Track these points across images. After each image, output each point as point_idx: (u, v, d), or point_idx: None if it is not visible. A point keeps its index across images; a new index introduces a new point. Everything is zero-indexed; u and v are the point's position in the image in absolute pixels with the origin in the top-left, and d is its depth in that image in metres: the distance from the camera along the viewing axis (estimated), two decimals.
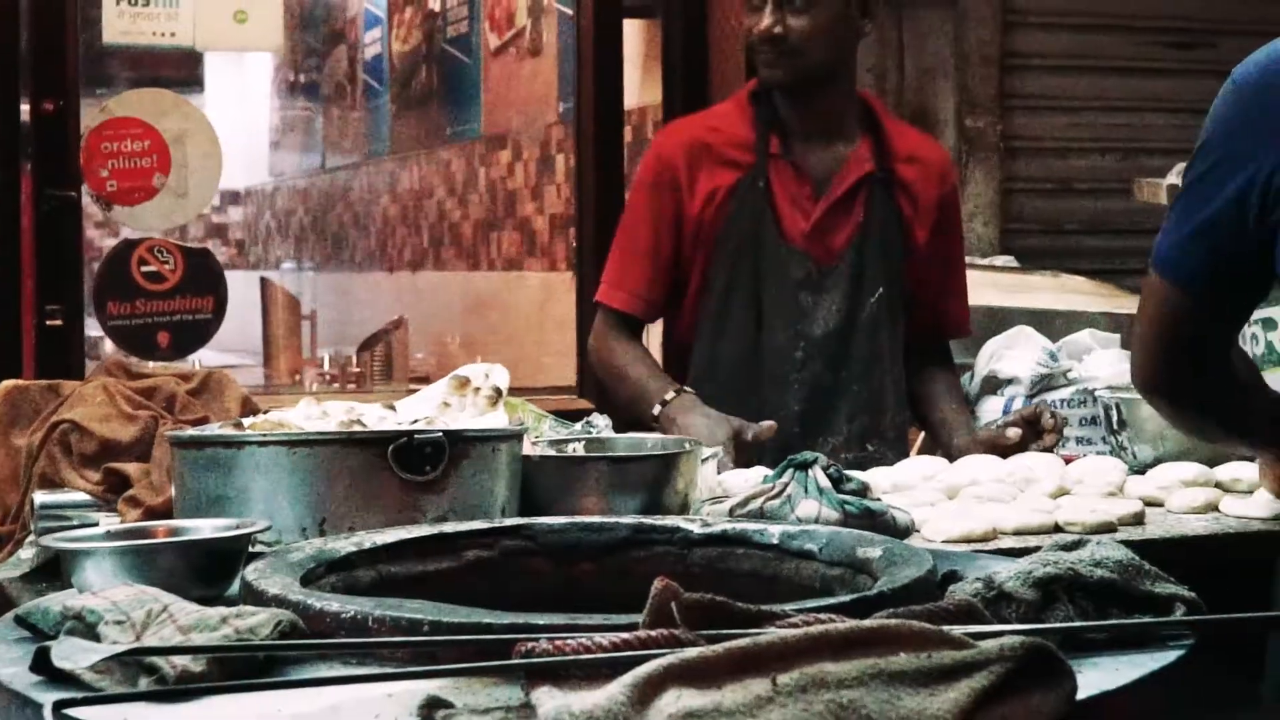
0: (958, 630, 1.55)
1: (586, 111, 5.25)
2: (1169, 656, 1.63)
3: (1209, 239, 2.19)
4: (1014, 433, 3.31)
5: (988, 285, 4.40)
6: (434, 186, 8.72)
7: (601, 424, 3.02)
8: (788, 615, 1.59)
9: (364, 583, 1.94)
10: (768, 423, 3.16)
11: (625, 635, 1.50)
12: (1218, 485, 3.06)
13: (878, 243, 3.53)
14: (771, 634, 1.47)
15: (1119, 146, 5.76)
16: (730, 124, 3.57)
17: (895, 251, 3.55)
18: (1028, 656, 1.46)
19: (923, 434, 3.88)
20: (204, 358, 5.33)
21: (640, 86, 5.75)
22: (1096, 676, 1.55)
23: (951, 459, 3.22)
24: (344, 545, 1.94)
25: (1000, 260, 4.84)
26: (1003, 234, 5.46)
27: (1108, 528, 2.70)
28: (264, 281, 8.59)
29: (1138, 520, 2.79)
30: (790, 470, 2.29)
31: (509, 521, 2.13)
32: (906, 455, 3.64)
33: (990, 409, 3.70)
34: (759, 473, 2.76)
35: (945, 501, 2.87)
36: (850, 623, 1.51)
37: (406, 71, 8.90)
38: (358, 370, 7.05)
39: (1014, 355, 3.70)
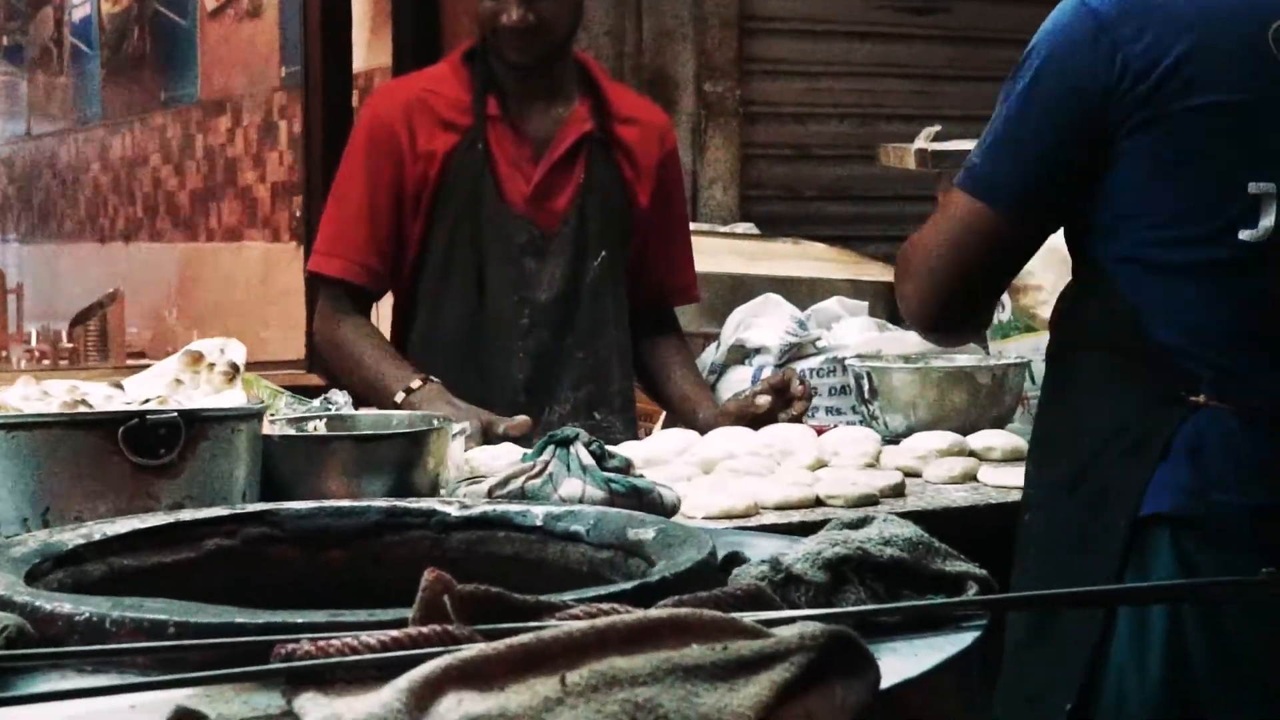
0: (749, 618, 1.45)
1: (314, 75, 5.06)
2: (966, 639, 1.55)
3: (1038, 160, 2.15)
4: (763, 400, 3.24)
5: (729, 253, 4.33)
6: (148, 154, 8.41)
7: (341, 400, 2.87)
8: (568, 606, 1.47)
9: (94, 578, 1.77)
10: (521, 418, 3.04)
11: (395, 633, 1.37)
12: (971, 454, 3.04)
13: (599, 204, 3.44)
14: (556, 628, 1.36)
15: (857, 112, 5.75)
16: (446, 85, 3.43)
17: (618, 214, 3.46)
18: (829, 645, 1.36)
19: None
20: None
21: (368, 49, 5.57)
22: (896, 663, 1.46)
23: (701, 432, 3.14)
24: (71, 537, 1.77)
25: (741, 227, 4.77)
26: (742, 200, 5.41)
27: (869, 500, 2.65)
28: None
29: (898, 492, 2.74)
30: (551, 447, 2.17)
31: (251, 507, 1.98)
32: (634, 423, 3.57)
33: (738, 378, 3.63)
34: (512, 450, 2.64)
35: (701, 476, 2.79)
36: (638, 613, 1.41)
37: (117, 34, 8.59)
38: (70, 346, 6.75)
39: (762, 324, 3.64)
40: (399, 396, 3.17)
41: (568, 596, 1.52)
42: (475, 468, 2.52)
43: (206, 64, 7.73)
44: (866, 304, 3.76)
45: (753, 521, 2.49)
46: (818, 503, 2.64)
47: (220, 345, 2.34)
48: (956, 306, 2.24)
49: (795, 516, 2.56)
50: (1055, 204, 2.18)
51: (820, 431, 3.16)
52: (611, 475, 2.12)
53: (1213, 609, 2.03)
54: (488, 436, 2.99)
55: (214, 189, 7.72)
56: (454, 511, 1.96)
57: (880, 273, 4.29)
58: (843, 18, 5.70)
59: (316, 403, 2.89)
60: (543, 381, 3.41)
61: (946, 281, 2.20)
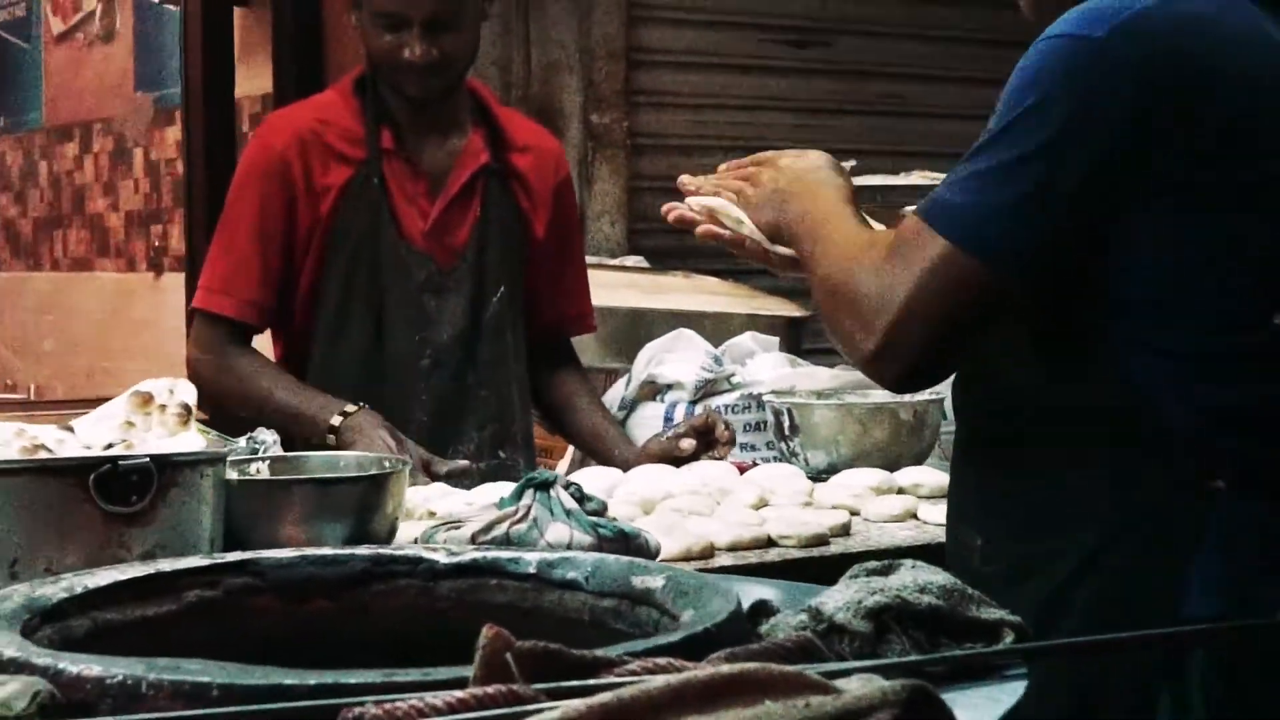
0: (810, 670, 1.41)
1: (195, 100, 4.93)
2: (1017, 688, 1.52)
3: (1039, 215, 1.89)
4: (688, 444, 3.20)
5: (624, 286, 4.29)
6: None
7: (269, 439, 2.78)
8: (624, 661, 1.41)
9: (80, 634, 1.67)
10: (462, 463, 2.96)
11: (461, 694, 1.31)
12: (900, 491, 3.02)
13: (498, 238, 3.37)
14: (634, 687, 1.30)
15: (741, 145, 5.72)
16: (338, 115, 3.33)
17: (515, 247, 3.40)
18: (912, 700, 1.32)
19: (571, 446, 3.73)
20: None
21: (247, 75, 5.45)
22: (965, 717, 1.42)
23: (623, 470, 3.09)
24: (53, 591, 1.67)
25: (631, 260, 4.73)
26: (630, 233, 5.37)
27: (820, 540, 2.62)
28: None
29: (845, 531, 2.71)
30: (530, 491, 2.10)
31: (230, 557, 1.88)
32: (534, 460, 3.51)
33: (650, 414, 3.59)
34: (481, 493, 2.57)
35: (643, 516, 2.73)
36: (706, 669, 1.35)
37: None
38: None
39: (675, 359, 3.60)
40: (336, 419, 3.06)
41: (617, 651, 1.46)
42: (451, 513, 2.44)
43: (52, 89, 7.51)
44: (778, 339, 3.73)
45: (712, 564, 2.44)
46: (769, 543, 2.60)
47: (169, 385, 2.24)
48: (933, 360, 1.98)
49: (750, 557, 2.52)
50: (1061, 272, 1.94)
51: (742, 469, 3.12)
52: (598, 520, 2.06)
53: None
54: (426, 475, 2.92)
55: (60, 217, 7.51)
56: (442, 558, 1.89)
57: (778, 307, 4.27)
58: (727, 51, 5.71)
59: (242, 442, 2.79)
60: (446, 421, 3.33)
61: (926, 334, 1.93)
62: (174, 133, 6.19)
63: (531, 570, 1.86)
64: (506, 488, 2.61)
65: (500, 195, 3.38)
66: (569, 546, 2.04)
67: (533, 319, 3.46)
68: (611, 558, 1.88)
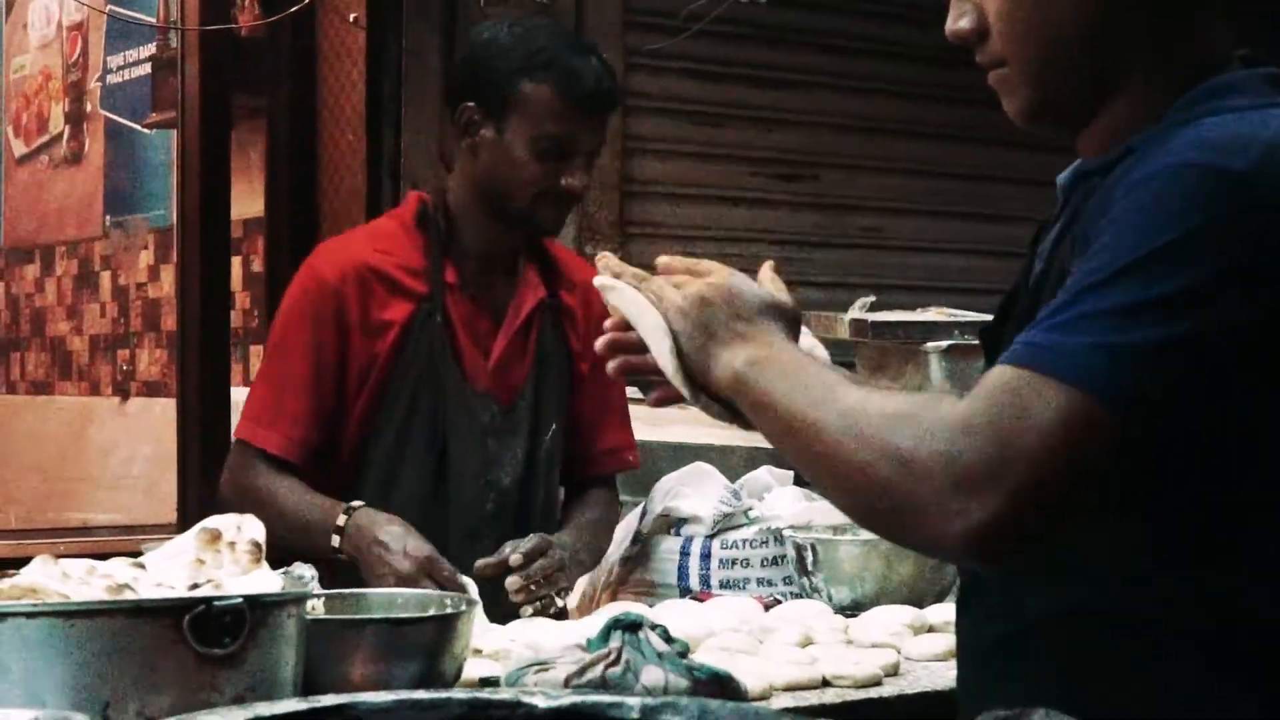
0: None
1: (191, 222, 4.88)
2: None
3: (1182, 363, 1.65)
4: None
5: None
6: None
7: (308, 575, 2.71)
8: None
9: None
10: (470, 582, 2.88)
11: None
12: (931, 629, 3.00)
13: (553, 375, 3.31)
14: None
15: None
16: (399, 247, 3.20)
17: (566, 383, 3.35)
18: None
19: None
20: None
21: (242, 198, 5.42)
22: None
23: None
24: None
25: (629, 391, 4.70)
26: None
27: (874, 681, 2.59)
28: None
29: (895, 670, 2.68)
30: (618, 633, 2.06)
31: (327, 700, 1.83)
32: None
33: (666, 549, 3.54)
34: (564, 632, 2.52)
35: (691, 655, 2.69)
36: None
37: None
38: None
39: (693, 493, 3.56)
40: (341, 519, 2.98)
41: None
42: (538, 651, 2.37)
43: (11, 211, 7.45)
44: (792, 474, 3.70)
45: (774, 705, 2.41)
46: (824, 683, 2.57)
47: (236, 523, 2.19)
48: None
49: (809, 698, 2.49)
50: (1198, 439, 1.72)
51: (765, 605, 3.10)
52: (691, 663, 2.02)
53: None
54: (429, 575, 2.85)
55: (18, 339, 7.42)
56: (540, 702, 1.84)
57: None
58: (717, 183, 5.75)
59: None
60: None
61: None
62: (146, 257, 6.15)
63: (635, 715, 1.81)
64: (562, 628, 2.57)
65: (553, 331, 3.31)
66: (665, 690, 2.00)
67: (575, 454, 3.40)
68: (715, 702, 1.84)
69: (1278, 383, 1.70)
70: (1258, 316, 1.65)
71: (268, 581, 2.06)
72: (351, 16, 5.05)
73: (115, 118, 6.56)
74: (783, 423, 1.80)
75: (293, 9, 4.71)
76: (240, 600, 1.87)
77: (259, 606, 1.90)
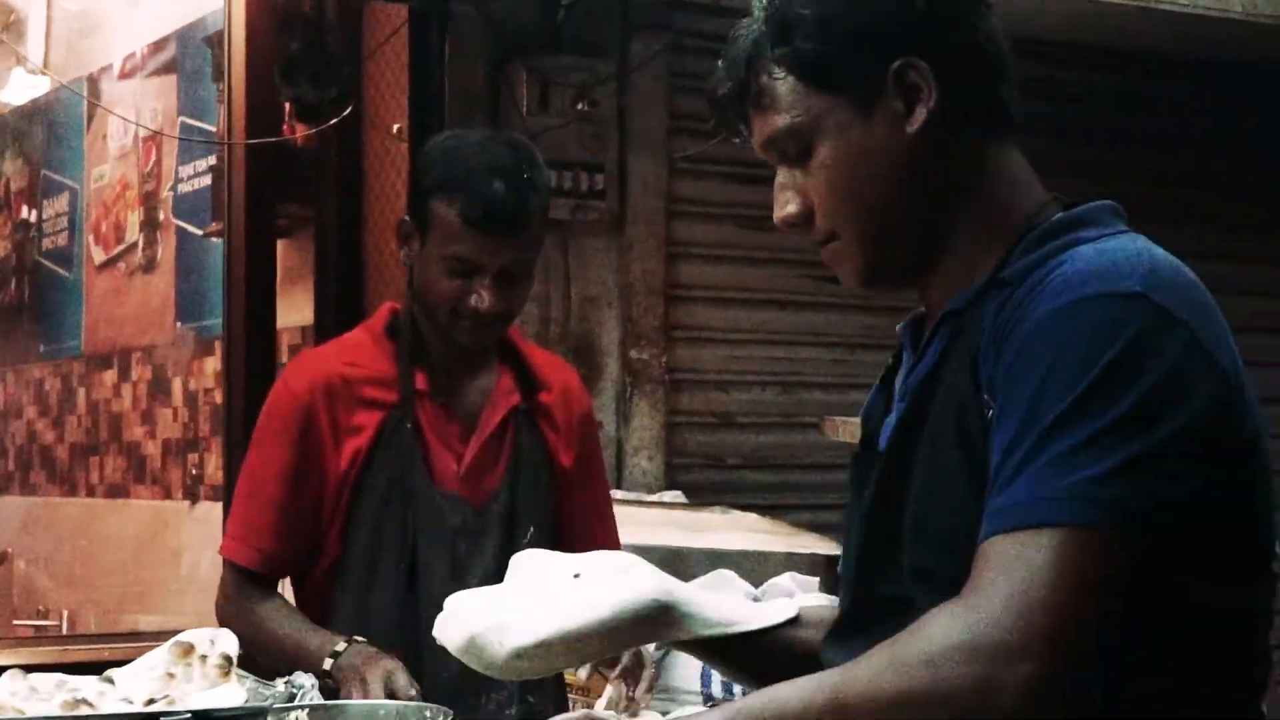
0: None
1: (236, 334, 4.97)
2: None
3: (1152, 472, 1.70)
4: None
5: (664, 524, 4.27)
6: (23, 406, 8.21)
7: (307, 684, 2.73)
8: None
9: None
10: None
11: None
12: None
13: (529, 478, 3.31)
14: None
15: (778, 380, 5.76)
16: (369, 358, 3.25)
17: (544, 483, 3.34)
18: None
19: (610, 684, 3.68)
20: None
21: (290, 306, 5.50)
22: None
23: None
24: None
25: (669, 495, 4.72)
26: (668, 468, 5.37)
27: None
28: None
29: None
30: None
31: None
32: (565, 704, 3.44)
33: (685, 659, 3.54)
34: None
35: None
36: None
37: None
38: None
39: (713, 598, 3.55)
40: (327, 664, 3.00)
41: None
42: None
43: (92, 317, 7.58)
44: (817, 579, 3.70)
45: None
46: None
47: (210, 636, 2.23)
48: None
49: None
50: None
51: None
52: None
53: None
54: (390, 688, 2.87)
55: (97, 444, 7.54)
56: None
57: (817, 544, 4.24)
58: (763, 286, 5.76)
59: (280, 686, 2.76)
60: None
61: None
62: (213, 363, 6.24)
63: None
64: None
65: (530, 433, 3.34)
66: None
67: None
68: None
69: (1238, 461, 1.77)
70: (1207, 410, 1.73)
71: (229, 695, 2.09)
72: (395, 128, 5.14)
73: (185, 225, 6.68)
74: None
75: (331, 120, 4.81)
76: (188, 715, 1.89)
77: None
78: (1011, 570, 1.67)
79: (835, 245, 1.98)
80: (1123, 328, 1.73)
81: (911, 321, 2.06)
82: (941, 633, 1.68)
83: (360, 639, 3.07)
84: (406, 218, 3.24)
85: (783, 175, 2.00)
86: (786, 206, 2.00)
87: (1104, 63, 6.46)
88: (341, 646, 3.04)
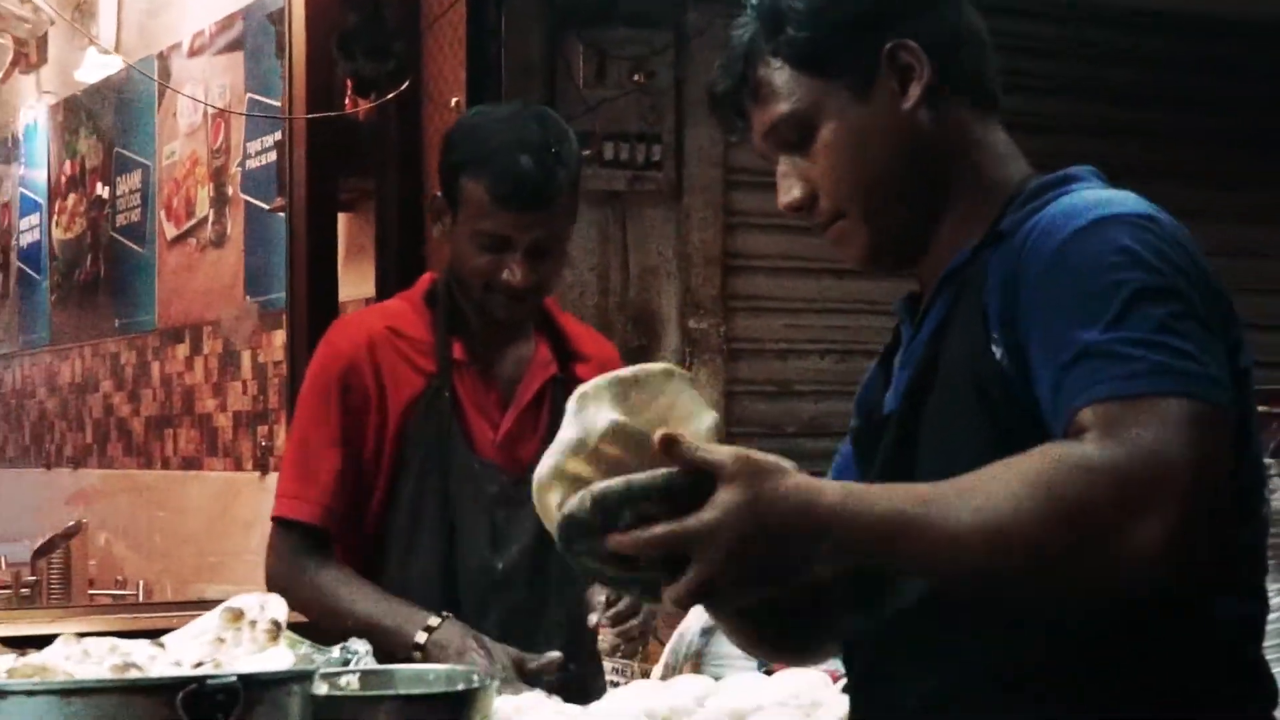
0: None
1: (299, 305, 5.03)
2: None
3: (1224, 359, 1.79)
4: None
5: None
6: (99, 380, 8.33)
7: (362, 650, 2.78)
8: None
9: None
10: (552, 654, 2.95)
11: None
12: None
13: None
14: None
15: (836, 348, 5.79)
16: (409, 325, 3.31)
17: None
18: None
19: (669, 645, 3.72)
20: None
21: (351, 279, 5.56)
22: None
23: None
24: None
25: None
26: (728, 437, 5.37)
27: None
28: None
29: None
30: None
31: None
32: (602, 672, 3.47)
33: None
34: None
35: None
36: None
37: (69, 259, 8.55)
38: (33, 579, 6.58)
39: None
40: (420, 637, 3.06)
41: None
42: None
43: (165, 292, 7.68)
44: None
45: None
46: None
47: (260, 601, 2.28)
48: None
49: None
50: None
51: (838, 679, 3.10)
52: None
53: None
54: (521, 674, 2.91)
55: (170, 416, 7.64)
56: None
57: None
58: (821, 255, 5.73)
59: (335, 652, 2.81)
60: (519, 636, 3.24)
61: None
62: (280, 336, 6.31)
63: None
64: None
65: (565, 404, 3.37)
66: None
67: None
68: None
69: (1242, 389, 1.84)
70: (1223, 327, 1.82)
71: (277, 659, 2.14)
72: (453, 101, 5.19)
73: (253, 200, 6.75)
74: (944, 551, 1.76)
75: (389, 94, 4.86)
76: (234, 679, 1.94)
77: (255, 685, 1.97)
78: (1147, 426, 1.68)
79: (841, 225, 2.07)
80: (1149, 234, 1.81)
81: (907, 298, 2.15)
82: (1089, 479, 1.66)
83: (451, 615, 3.12)
84: (438, 194, 3.28)
85: (784, 163, 2.07)
86: (791, 192, 2.07)
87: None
88: (435, 621, 3.08)
